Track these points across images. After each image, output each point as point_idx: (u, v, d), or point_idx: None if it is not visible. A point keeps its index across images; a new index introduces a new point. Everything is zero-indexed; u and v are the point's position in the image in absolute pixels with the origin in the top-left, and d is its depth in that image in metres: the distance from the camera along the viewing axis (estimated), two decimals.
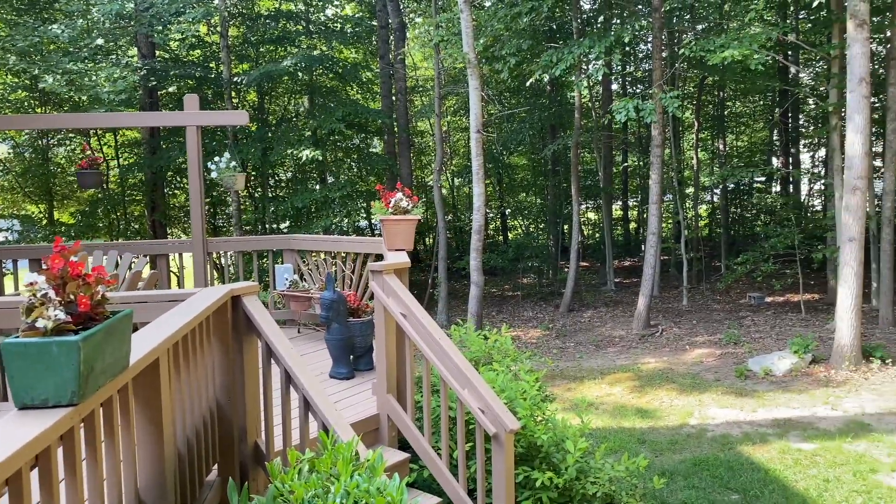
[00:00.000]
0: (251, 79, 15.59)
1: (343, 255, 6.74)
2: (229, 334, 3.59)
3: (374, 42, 20.33)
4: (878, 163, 17.10)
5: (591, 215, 28.33)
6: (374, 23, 19.31)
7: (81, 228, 16.47)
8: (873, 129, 15.05)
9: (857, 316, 9.81)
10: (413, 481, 4.57)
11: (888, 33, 12.87)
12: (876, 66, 16.22)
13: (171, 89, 17.12)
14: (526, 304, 18.09)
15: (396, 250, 5.22)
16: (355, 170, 19.48)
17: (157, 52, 17.16)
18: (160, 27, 14.57)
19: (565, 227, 22.51)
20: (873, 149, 14.92)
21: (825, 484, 6.29)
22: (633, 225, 28.17)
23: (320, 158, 15.81)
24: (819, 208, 21.90)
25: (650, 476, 6.58)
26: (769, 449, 7.22)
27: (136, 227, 18.66)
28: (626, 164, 25.35)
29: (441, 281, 16.07)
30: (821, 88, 13.79)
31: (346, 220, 16.58)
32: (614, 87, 23.80)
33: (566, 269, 17.26)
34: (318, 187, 17.72)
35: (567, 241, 21.63)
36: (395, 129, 19.22)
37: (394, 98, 19.52)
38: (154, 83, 16.20)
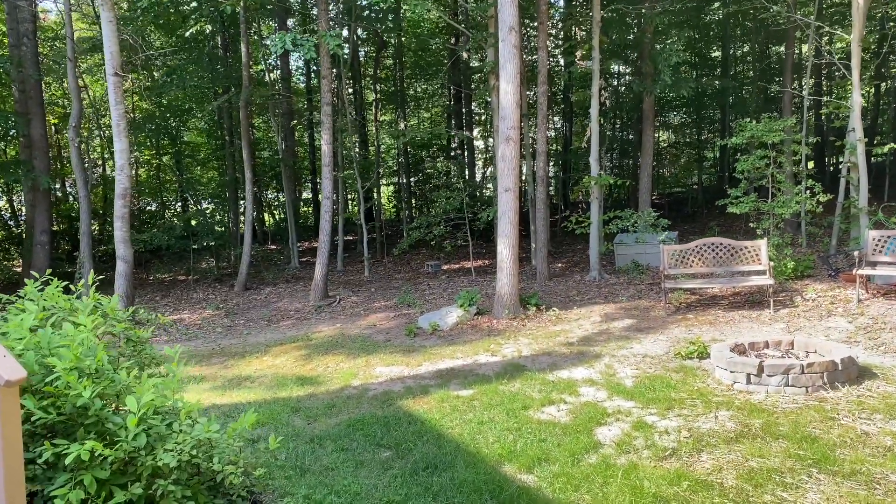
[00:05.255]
0: None
1: None
2: None
3: None
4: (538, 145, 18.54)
5: (283, 197, 27.05)
6: None
7: None
8: (530, 118, 16.13)
9: (515, 264, 10.04)
10: None
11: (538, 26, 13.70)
12: (530, 50, 17.52)
13: None
14: (199, 287, 16.20)
15: None
16: None
17: None
18: None
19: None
20: (535, 130, 16.01)
21: (479, 426, 5.91)
22: None
23: None
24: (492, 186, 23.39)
25: (299, 445, 5.62)
26: (429, 400, 6.73)
27: None
28: (314, 142, 24.54)
29: (85, 260, 13.44)
30: (486, 59, 14.33)
31: None
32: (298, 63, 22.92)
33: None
34: None
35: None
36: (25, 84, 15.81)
37: (24, 47, 16.08)
38: None
